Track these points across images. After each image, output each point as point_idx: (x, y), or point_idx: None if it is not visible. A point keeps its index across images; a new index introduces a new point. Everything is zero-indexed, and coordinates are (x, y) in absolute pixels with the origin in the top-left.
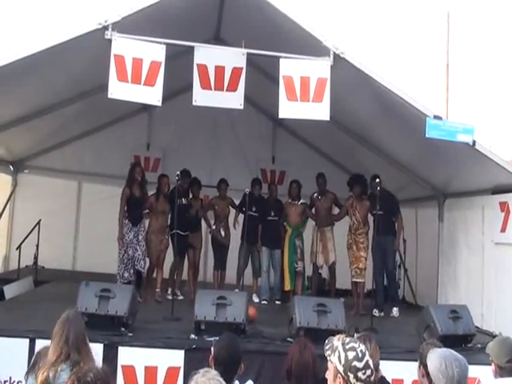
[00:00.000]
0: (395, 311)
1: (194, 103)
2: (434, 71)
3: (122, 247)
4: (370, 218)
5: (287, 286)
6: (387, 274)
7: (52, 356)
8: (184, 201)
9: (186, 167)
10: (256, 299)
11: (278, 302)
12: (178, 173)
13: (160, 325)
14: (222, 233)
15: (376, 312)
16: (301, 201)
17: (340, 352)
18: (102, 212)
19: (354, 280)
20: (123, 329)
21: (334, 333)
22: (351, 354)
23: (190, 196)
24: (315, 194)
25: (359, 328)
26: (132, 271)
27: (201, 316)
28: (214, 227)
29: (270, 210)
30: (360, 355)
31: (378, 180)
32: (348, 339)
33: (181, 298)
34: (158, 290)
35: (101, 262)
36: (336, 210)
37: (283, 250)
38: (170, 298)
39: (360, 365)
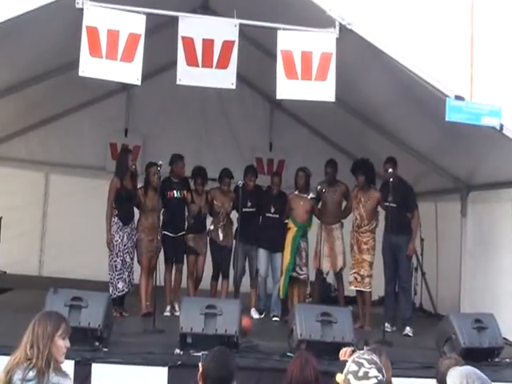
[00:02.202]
0: (408, 330)
1: (178, 82)
2: (457, 44)
3: (112, 252)
4: (381, 214)
5: (281, 294)
6: (400, 282)
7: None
8: (177, 193)
9: (169, 156)
10: (255, 315)
11: (275, 319)
12: (161, 162)
13: (140, 338)
14: (220, 235)
15: (388, 327)
16: (310, 194)
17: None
18: (73, 208)
19: (353, 288)
20: (97, 343)
21: (340, 346)
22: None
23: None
24: (319, 187)
25: (369, 341)
26: (128, 280)
27: (187, 328)
28: (211, 227)
29: (270, 205)
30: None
31: (390, 165)
32: (357, 355)
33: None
34: (147, 302)
35: (71, 267)
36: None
37: (285, 251)
38: (167, 314)
39: None
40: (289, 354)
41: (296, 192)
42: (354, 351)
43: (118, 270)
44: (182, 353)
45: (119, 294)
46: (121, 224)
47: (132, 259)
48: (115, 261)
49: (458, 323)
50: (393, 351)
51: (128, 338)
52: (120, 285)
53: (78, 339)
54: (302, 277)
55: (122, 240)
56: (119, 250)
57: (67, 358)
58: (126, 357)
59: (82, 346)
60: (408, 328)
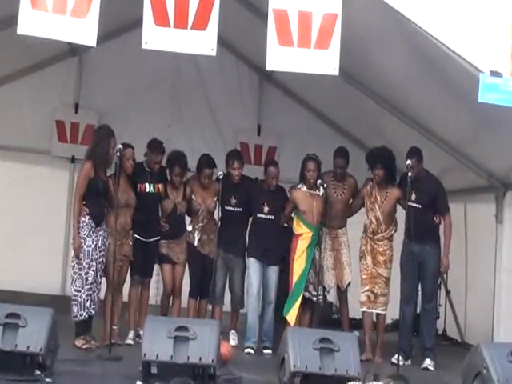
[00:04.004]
0: (428, 363)
1: (144, 46)
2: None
3: (82, 261)
4: (400, 217)
5: (291, 320)
6: (422, 304)
7: None
8: (150, 187)
9: (132, 138)
10: (233, 340)
11: (267, 352)
12: (121, 146)
13: (92, 367)
14: (196, 238)
15: (401, 360)
16: (321, 190)
17: None
18: (11, 201)
19: (365, 310)
20: (38, 372)
21: (343, 381)
22: None
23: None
24: (319, 181)
25: (380, 375)
26: (96, 297)
27: (151, 354)
28: (189, 229)
29: (263, 202)
30: None
31: (415, 157)
32: None
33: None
34: (114, 326)
35: (7, 275)
36: None
37: (291, 265)
38: (130, 342)
39: None
40: None
41: (304, 188)
42: None
43: (88, 285)
44: None
45: (86, 316)
46: (93, 225)
47: (103, 270)
48: (86, 273)
49: (491, 355)
50: None
51: (77, 367)
52: (88, 304)
53: (14, 366)
54: (315, 298)
55: (95, 246)
56: (91, 259)
57: None
58: None
59: (18, 376)
60: (428, 360)
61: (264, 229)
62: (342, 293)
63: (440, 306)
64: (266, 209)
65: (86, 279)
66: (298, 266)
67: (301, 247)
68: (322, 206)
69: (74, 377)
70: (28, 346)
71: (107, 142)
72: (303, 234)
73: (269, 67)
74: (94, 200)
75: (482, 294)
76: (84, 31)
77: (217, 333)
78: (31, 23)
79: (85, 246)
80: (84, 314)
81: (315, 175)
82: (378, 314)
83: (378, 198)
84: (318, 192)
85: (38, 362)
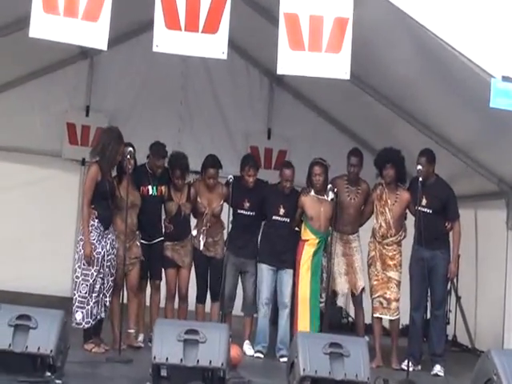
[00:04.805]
0: (438, 369)
1: (154, 49)
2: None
3: (91, 267)
4: (409, 222)
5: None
6: (432, 309)
7: None
8: (152, 190)
9: (142, 141)
10: (249, 350)
11: (284, 360)
12: (131, 149)
13: (102, 369)
14: (201, 242)
15: (410, 366)
16: (330, 195)
17: None
18: (21, 203)
19: (377, 315)
20: (49, 373)
21: None
22: None
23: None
24: (330, 186)
25: (389, 381)
26: (107, 302)
27: (161, 357)
28: (193, 232)
29: (279, 205)
30: None
31: (426, 156)
32: None
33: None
34: (131, 330)
35: (12, 277)
36: None
37: (297, 269)
38: (140, 345)
39: None
40: None
41: (312, 193)
42: None
43: (96, 292)
44: None
45: (93, 323)
46: (102, 229)
47: (113, 275)
48: (94, 280)
49: (502, 362)
50: None
51: (87, 368)
52: (95, 310)
53: (25, 368)
54: (320, 305)
55: (104, 252)
56: (101, 266)
57: None
58: None
59: (29, 377)
60: (438, 366)
61: (278, 231)
62: (356, 298)
63: (450, 311)
64: (281, 211)
65: (94, 286)
66: (304, 273)
67: (306, 253)
68: (330, 212)
69: (83, 379)
70: (38, 348)
71: (117, 146)
72: (309, 240)
73: (280, 71)
74: (102, 203)
75: (492, 300)
76: (95, 35)
77: (227, 336)
78: (43, 27)
79: (94, 253)
80: (91, 321)
81: (321, 179)
82: (391, 320)
83: (389, 201)
84: (326, 197)
85: (49, 363)
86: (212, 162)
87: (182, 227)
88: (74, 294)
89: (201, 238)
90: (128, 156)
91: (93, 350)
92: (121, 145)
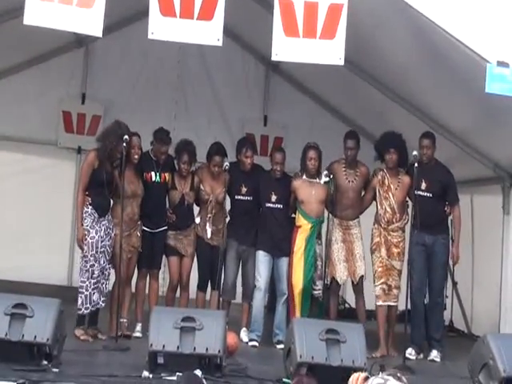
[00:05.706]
0: (435, 355)
1: (150, 36)
2: None
3: (87, 252)
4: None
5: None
6: (431, 295)
7: None
8: (156, 176)
9: (138, 129)
10: (246, 337)
11: (280, 346)
12: (127, 137)
13: (99, 357)
14: (208, 230)
15: (412, 353)
16: (323, 178)
17: None
18: (17, 191)
19: (381, 303)
20: (45, 362)
21: (349, 372)
22: None
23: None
24: (326, 172)
25: (386, 365)
26: (104, 289)
27: (158, 345)
28: (197, 220)
29: (270, 191)
30: None
31: (430, 139)
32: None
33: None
34: (124, 319)
35: (13, 265)
36: None
37: (291, 257)
38: (138, 335)
39: None
40: (285, 379)
41: (304, 177)
42: (367, 378)
43: (94, 278)
44: (151, 376)
45: (93, 309)
46: (96, 216)
47: (110, 262)
48: (92, 265)
49: (497, 346)
50: (416, 381)
51: (84, 357)
52: (95, 296)
53: (21, 356)
54: (316, 292)
55: (99, 237)
56: (96, 251)
57: (8, 379)
58: (80, 380)
59: (25, 365)
60: (435, 352)
61: (273, 219)
62: (356, 286)
63: (447, 297)
64: (273, 197)
65: (92, 272)
66: (298, 260)
67: (300, 240)
68: (323, 195)
69: (80, 367)
70: (35, 336)
71: (115, 139)
72: (302, 226)
73: (275, 58)
74: (97, 190)
75: (488, 286)
76: (90, 21)
77: (223, 323)
78: (37, 14)
79: (88, 238)
80: (90, 307)
81: (316, 164)
82: (389, 306)
83: (392, 186)
84: (317, 180)
85: (45, 352)
86: (218, 149)
87: (186, 216)
88: (79, 280)
89: (208, 227)
90: (124, 144)
91: (81, 337)
92: (120, 139)
